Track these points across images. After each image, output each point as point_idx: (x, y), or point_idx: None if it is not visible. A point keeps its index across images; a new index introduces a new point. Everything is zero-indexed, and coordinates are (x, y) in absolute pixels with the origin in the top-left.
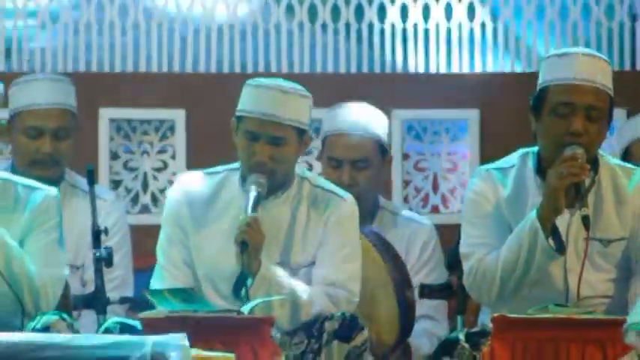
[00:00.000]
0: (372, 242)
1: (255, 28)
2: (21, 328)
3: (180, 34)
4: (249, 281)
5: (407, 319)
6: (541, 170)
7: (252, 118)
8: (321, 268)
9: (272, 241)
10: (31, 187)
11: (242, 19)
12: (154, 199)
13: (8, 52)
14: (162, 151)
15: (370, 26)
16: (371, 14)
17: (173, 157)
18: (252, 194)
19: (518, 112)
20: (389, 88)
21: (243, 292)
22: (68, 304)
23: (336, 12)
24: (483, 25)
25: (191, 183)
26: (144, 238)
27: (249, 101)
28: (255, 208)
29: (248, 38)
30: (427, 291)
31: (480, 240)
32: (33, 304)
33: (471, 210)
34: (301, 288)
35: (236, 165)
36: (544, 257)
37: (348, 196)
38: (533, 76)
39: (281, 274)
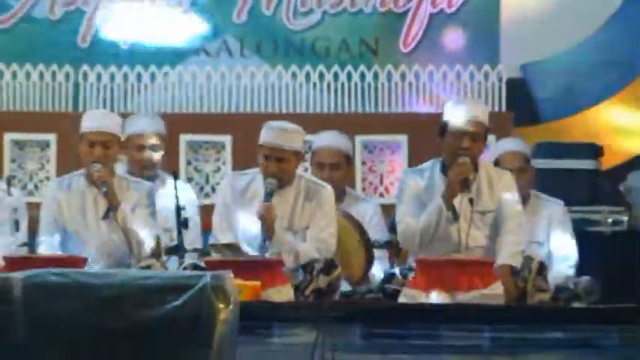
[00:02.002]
0: (343, 216)
1: (271, 87)
2: (129, 266)
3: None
4: (266, 243)
5: (368, 261)
6: (444, 171)
7: (267, 146)
8: (312, 231)
9: (283, 215)
10: (136, 181)
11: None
12: (212, 189)
13: None
14: (217, 160)
15: (344, 82)
16: (344, 76)
17: (224, 163)
18: (267, 190)
19: (431, 136)
20: (353, 122)
21: (264, 247)
22: (161, 252)
23: (321, 75)
24: (410, 84)
25: (234, 179)
26: (208, 212)
27: (265, 136)
28: (269, 198)
29: (268, 91)
30: (377, 244)
31: (407, 213)
32: (138, 252)
33: (402, 195)
34: (300, 245)
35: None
36: (446, 223)
37: (328, 186)
38: (440, 114)
39: (287, 236)
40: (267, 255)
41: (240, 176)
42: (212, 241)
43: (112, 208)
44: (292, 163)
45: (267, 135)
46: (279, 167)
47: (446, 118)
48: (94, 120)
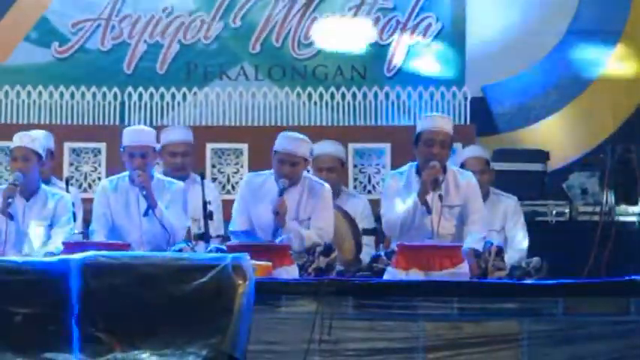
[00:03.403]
0: (338, 209)
1: (279, 104)
2: (166, 250)
3: (247, 111)
4: (279, 230)
5: (358, 246)
6: (419, 172)
7: (280, 152)
8: (314, 221)
9: (291, 208)
10: (170, 181)
11: (272, 101)
12: (232, 187)
13: None
14: (236, 164)
15: (339, 101)
16: (339, 96)
17: (242, 166)
18: (280, 188)
19: (409, 144)
20: (347, 133)
21: (277, 234)
22: (190, 238)
23: (321, 95)
24: (393, 102)
25: (251, 179)
26: (229, 205)
27: (281, 144)
28: (282, 194)
29: (278, 108)
30: (366, 232)
31: (389, 207)
32: (172, 239)
33: (386, 192)
34: (305, 232)
35: (272, 171)
36: (421, 215)
37: (326, 185)
38: (414, 127)
39: (295, 226)
40: (277, 241)
41: (255, 177)
42: (231, 228)
43: (150, 206)
44: (301, 166)
45: (283, 143)
46: (292, 170)
47: (419, 129)
48: (132, 136)
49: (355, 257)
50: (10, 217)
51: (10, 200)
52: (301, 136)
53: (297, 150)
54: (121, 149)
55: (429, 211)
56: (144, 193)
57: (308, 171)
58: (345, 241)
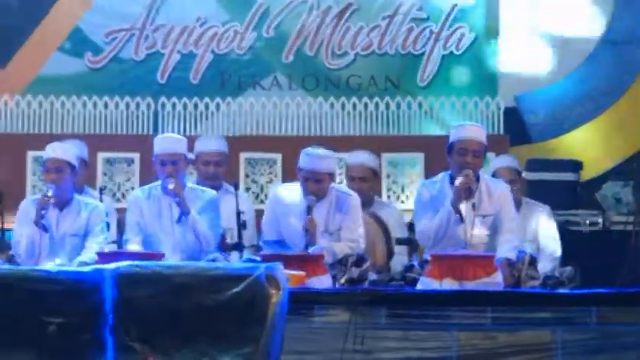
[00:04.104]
0: (371, 217)
1: (313, 114)
2: (199, 259)
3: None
4: (310, 246)
5: (390, 254)
6: (452, 181)
7: (305, 170)
8: (345, 233)
9: (320, 221)
10: (203, 190)
11: (305, 111)
12: (266, 197)
13: None
14: (270, 173)
15: (373, 111)
16: (372, 106)
17: (275, 176)
18: (308, 206)
19: (442, 154)
20: (380, 143)
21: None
22: (225, 247)
23: (354, 105)
24: (426, 112)
25: (282, 190)
26: (262, 215)
27: (304, 162)
28: (310, 212)
29: (311, 118)
30: (400, 241)
31: (423, 216)
32: (206, 248)
33: (419, 202)
34: (336, 246)
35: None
36: (454, 224)
37: (354, 194)
38: (447, 136)
39: (326, 242)
40: (310, 251)
41: (284, 189)
42: (264, 238)
43: (183, 214)
44: (327, 182)
45: (305, 161)
46: (317, 187)
47: (452, 138)
48: (163, 144)
49: (385, 265)
50: (44, 228)
51: (43, 212)
52: (324, 152)
53: (320, 167)
54: (153, 158)
55: (461, 220)
56: (177, 200)
57: (341, 182)
58: (377, 246)
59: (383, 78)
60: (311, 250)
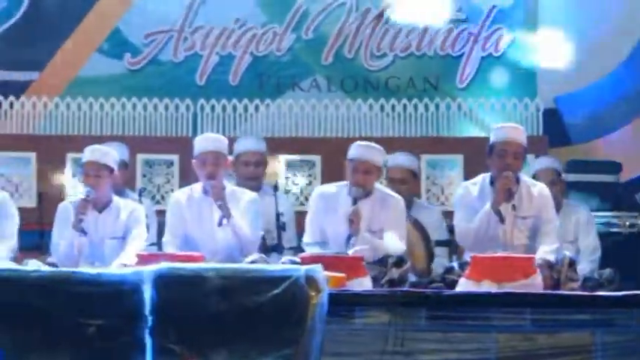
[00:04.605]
0: (410, 221)
1: (352, 116)
2: (239, 261)
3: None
4: (352, 239)
5: (430, 257)
6: (492, 183)
7: (356, 160)
8: (387, 232)
9: (364, 219)
10: (243, 192)
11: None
12: (305, 199)
13: None
14: (309, 175)
15: (412, 112)
16: (411, 107)
17: (314, 178)
18: (354, 197)
19: (481, 156)
20: (419, 144)
21: (349, 243)
22: (265, 249)
23: (393, 106)
24: (465, 113)
25: (323, 190)
26: (302, 217)
27: (355, 152)
28: (355, 202)
29: (350, 119)
30: (439, 243)
31: (463, 218)
32: (246, 250)
33: (459, 203)
34: (378, 241)
35: (346, 182)
36: (494, 225)
37: (398, 196)
38: (488, 138)
39: (369, 235)
40: (350, 253)
41: (328, 188)
42: (304, 240)
43: (224, 216)
44: (374, 175)
45: (357, 151)
46: (365, 178)
47: (492, 140)
48: (204, 143)
49: (426, 268)
50: (83, 232)
51: (82, 216)
52: (375, 144)
53: (370, 158)
54: (194, 158)
55: (502, 221)
56: (218, 203)
57: (381, 183)
58: (416, 250)
59: (422, 79)
60: (351, 252)
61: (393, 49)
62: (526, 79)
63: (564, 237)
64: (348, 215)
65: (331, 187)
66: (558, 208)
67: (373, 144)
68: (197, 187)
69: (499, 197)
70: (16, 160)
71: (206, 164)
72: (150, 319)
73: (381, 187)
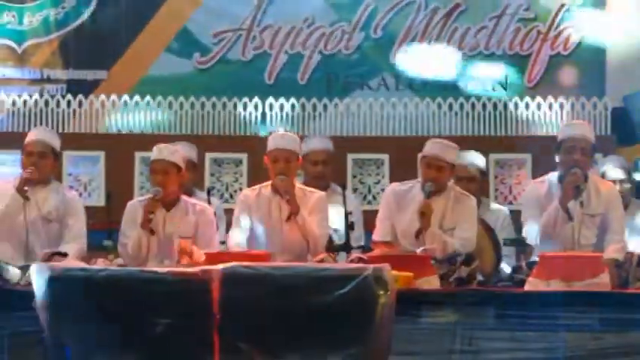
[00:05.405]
0: (478, 221)
1: (420, 115)
2: (307, 260)
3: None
4: (421, 235)
5: (497, 258)
6: (561, 180)
7: (429, 156)
8: (458, 231)
9: (436, 217)
10: (312, 191)
11: (412, 112)
12: (374, 197)
13: None
14: (377, 174)
15: (480, 111)
16: (479, 106)
17: (383, 176)
18: (427, 191)
19: (547, 155)
20: (487, 143)
21: (419, 238)
22: (333, 248)
23: (461, 105)
24: (533, 112)
25: (396, 187)
26: (370, 216)
27: (429, 148)
28: (428, 197)
29: (419, 118)
30: (507, 242)
31: (531, 216)
32: (314, 248)
33: (527, 201)
34: (447, 238)
35: (419, 180)
36: (562, 223)
37: (472, 197)
38: (554, 137)
39: (439, 231)
40: (418, 251)
41: (401, 185)
42: (374, 238)
43: (293, 213)
44: (447, 172)
45: (430, 148)
46: (438, 175)
47: (560, 137)
48: (277, 141)
49: (494, 270)
50: (152, 232)
51: (150, 216)
52: (448, 142)
53: (443, 154)
54: (266, 154)
55: (570, 219)
56: (287, 197)
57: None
58: (484, 253)
59: (490, 78)
60: (419, 250)
61: (461, 48)
62: (594, 78)
63: (632, 236)
64: (418, 208)
65: (404, 185)
66: (626, 206)
67: (447, 141)
68: (267, 185)
69: (567, 194)
70: (85, 159)
71: (278, 161)
72: (217, 317)
73: (455, 186)
